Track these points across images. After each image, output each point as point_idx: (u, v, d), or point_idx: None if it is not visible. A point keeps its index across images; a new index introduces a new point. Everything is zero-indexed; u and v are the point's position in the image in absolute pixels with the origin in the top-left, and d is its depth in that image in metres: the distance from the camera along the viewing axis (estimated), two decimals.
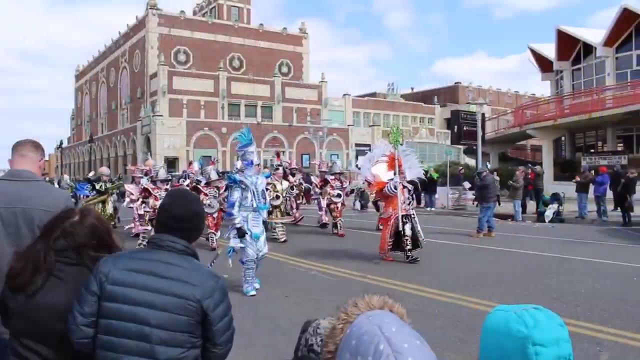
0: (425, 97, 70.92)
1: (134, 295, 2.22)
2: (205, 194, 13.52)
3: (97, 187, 14.96)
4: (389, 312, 1.31)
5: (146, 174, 15.48)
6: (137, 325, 2.18)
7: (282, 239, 14.09)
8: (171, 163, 46.29)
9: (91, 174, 38.08)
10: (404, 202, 10.90)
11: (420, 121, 66.10)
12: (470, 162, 36.74)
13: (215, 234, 13.41)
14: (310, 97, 58.98)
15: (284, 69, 60.78)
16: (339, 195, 16.14)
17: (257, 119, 53.71)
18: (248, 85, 55.34)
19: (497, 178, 19.56)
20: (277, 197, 14.27)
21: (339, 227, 15.82)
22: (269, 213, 12.40)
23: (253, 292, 8.10)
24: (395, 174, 10.89)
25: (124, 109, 62.02)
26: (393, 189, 10.73)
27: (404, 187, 11.07)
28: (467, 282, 8.89)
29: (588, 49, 35.60)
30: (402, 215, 10.71)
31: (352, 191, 17.96)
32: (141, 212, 13.94)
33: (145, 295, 2.22)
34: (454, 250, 12.07)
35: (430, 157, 52.26)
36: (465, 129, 29.77)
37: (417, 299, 7.80)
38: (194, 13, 63.46)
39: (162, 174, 13.28)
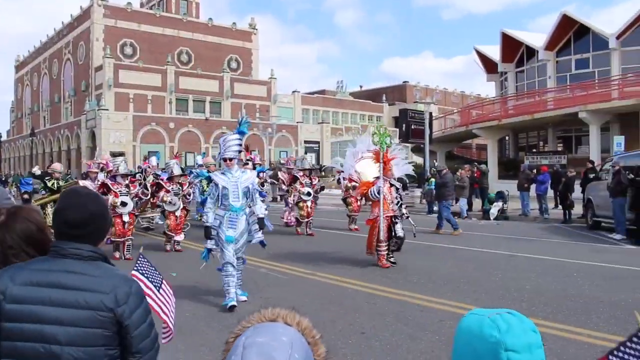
0: (374, 95, 71.63)
1: (37, 312, 2.00)
2: (167, 190, 12.84)
3: (49, 184, 13.57)
4: (279, 323, 1.30)
5: (102, 169, 14.60)
6: (46, 346, 1.97)
7: None
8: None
9: (35, 168, 36.71)
10: (392, 202, 10.45)
11: (369, 119, 66.76)
12: (418, 160, 37.41)
13: (175, 235, 12.53)
14: (260, 94, 58.73)
15: (233, 65, 60.32)
16: (308, 194, 15.30)
17: (205, 115, 53.14)
18: (196, 80, 54.64)
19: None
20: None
21: (308, 226, 15.23)
22: None
23: (233, 303, 7.22)
24: (379, 173, 10.25)
25: (67, 102, 60.23)
26: (376, 194, 10.16)
27: (392, 185, 10.63)
28: (416, 279, 9.13)
29: (531, 52, 36.82)
30: (392, 216, 10.35)
31: (322, 188, 16.70)
32: None
33: (50, 311, 2.00)
34: (405, 249, 12.31)
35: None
36: (413, 127, 30.41)
37: (368, 297, 7.98)
38: (141, 5, 62.11)
39: (123, 168, 12.15)
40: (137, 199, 13.12)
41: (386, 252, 10.23)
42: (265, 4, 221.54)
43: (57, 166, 14.78)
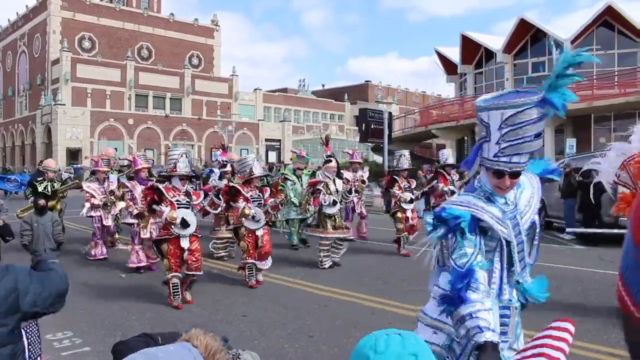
0: (336, 94, 71.83)
1: None
2: (247, 199, 8.57)
3: (41, 188, 10.94)
4: (186, 343, 1.36)
5: (112, 167, 12.30)
6: None
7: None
8: (73, 155, 44.44)
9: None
10: None
11: (330, 118, 66.94)
12: (378, 159, 37.68)
13: (258, 262, 8.63)
14: (221, 91, 58.28)
15: (195, 61, 59.69)
16: (411, 201, 11.79)
17: (165, 111, 52.51)
18: (157, 76, 53.89)
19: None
20: (334, 202, 9.97)
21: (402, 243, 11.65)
22: (315, 225, 10.37)
23: None
24: None
25: (22, 95, 58.67)
26: None
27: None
28: (368, 281, 9.19)
29: (489, 54, 37.51)
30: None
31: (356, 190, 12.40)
32: (109, 222, 10.90)
33: None
34: (358, 249, 12.37)
35: (341, 153, 53.01)
36: (373, 127, 30.57)
37: (320, 299, 8.00)
38: None
39: (184, 165, 7.59)
40: (200, 213, 10.12)
41: None
42: (234, 1, 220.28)
43: (51, 163, 12.20)
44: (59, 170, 15.68)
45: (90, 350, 5.74)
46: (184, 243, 7.42)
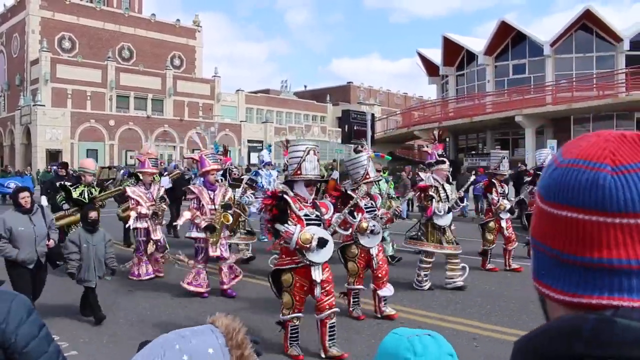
0: (318, 95, 71.87)
1: None
2: (361, 210, 7.10)
3: (77, 194, 9.24)
4: (209, 326, 1.33)
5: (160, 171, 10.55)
6: None
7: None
8: (53, 156, 43.93)
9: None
10: None
11: (312, 119, 67.00)
12: None
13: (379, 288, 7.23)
14: (203, 92, 58.01)
15: (176, 62, 59.35)
16: (511, 211, 10.75)
17: (147, 112, 52.14)
18: (138, 77, 53.47)
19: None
20: (449, 210, 8.63)
21: (509, 256, 10.46)
22: None
23: None
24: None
25: (0, 96, 57.89)
26: None
27: None
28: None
29: (471, 56, 37.89)
30: None
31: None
32: (157, 236, 9.25)
33: None
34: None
35: (322, 155, 53.09)
36: (355, 128, 30.70)
37: None
38: None
39: (312, 166, 5.79)
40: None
41: None
42: (216, 1, 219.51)
43: (90, 164, 10.16)
44: (116, 169, 13.15)
45: (77, 354, 5.74)
46: (316, 274, 5.45)
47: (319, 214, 5.65)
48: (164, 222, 9.56)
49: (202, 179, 8.67)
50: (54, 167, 34.31)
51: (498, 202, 10.00)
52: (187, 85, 56.81)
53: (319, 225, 5.57)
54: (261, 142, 57.25)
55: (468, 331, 6.48)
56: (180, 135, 51.79)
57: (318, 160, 5.78)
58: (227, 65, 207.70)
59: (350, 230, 6.68)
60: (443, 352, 1.28)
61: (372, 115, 31.64)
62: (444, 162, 8.71)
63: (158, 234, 9.29)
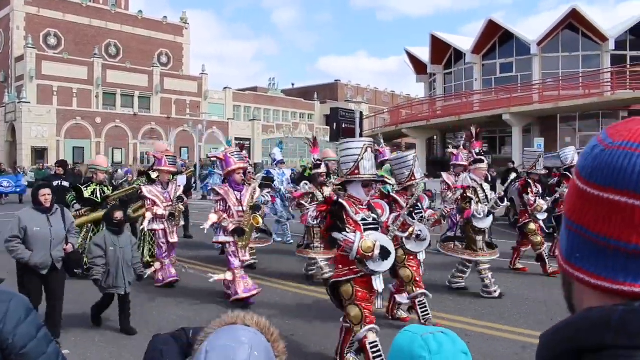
0: (306, 93, 71.85)
1: None
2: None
3: (88, 193, 8.89)
4: (239, 326, 1.36)
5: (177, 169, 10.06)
6: None
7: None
8: (39, 154, 43.57)
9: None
10: None
11: (300, 117, 66.97)
12: None
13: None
14: (190, 89, 57.79)
15: (164, 59, 59.06)
16: (547, 211, 10.01)
17: (134, 110, 51.84)
18: (125, 74, 53.12)
19: None
20: (489, 213, 8.15)
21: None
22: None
23: None
24: None
25: None
26: None
27: None
28: None
29: (458, 54, 38.05)
30: None
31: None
32: (174, 238, 8.77)
33: None
34: None
35: (310, 153, 53.09)
36: (344, 126, 30.78)
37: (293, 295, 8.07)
38: None
39: (371, 164, 5.26)
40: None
41: None
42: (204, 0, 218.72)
43: (103, 161, 9.71)
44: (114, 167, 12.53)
45: (69, 352, 5.70)
46: (378, 283, 4.96)
47: (375, 216, 5.15)
48: (181, 223, 9.07)
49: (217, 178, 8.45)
50: (39, 165, 34.10)
51: (535, 202, 9.51)
52: (174, 82, 56.54)
53: (376, 229, 5.06)
54: (249, 139, 57.15)
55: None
56: (167, 132, 51.52)
57: (375, 158, 5.30)
58: (215, 64, 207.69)
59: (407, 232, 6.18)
60: (457, 350, 1.29)
61: (361, 113, 31.76)
62: (482, 161, 8.18)
63: (175, 237, 8.80)
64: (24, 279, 5.81)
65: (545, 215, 9.73)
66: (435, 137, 40.42)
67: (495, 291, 7.83)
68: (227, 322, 1.39)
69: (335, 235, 4.81)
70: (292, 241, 12.13)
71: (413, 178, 6.58)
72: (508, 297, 7.90)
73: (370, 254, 4.69)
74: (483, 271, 7.91)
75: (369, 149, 5.14)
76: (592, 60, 32.88)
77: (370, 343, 4.79)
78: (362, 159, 5.02)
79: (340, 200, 4.94)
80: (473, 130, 8.99)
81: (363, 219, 4.97)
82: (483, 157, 8.22)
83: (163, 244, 8.64)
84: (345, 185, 5.19)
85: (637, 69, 30.65)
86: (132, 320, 6.56)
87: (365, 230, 4.89)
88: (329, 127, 36.01)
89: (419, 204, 6.58)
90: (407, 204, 6.16)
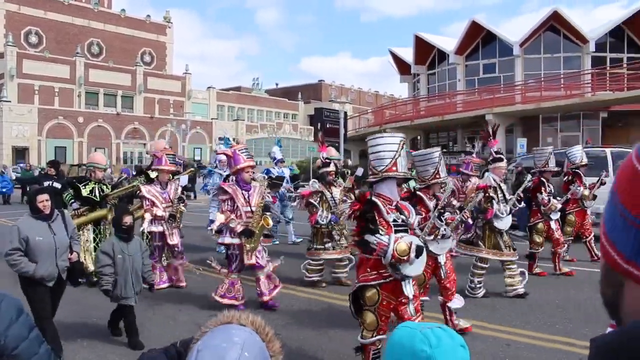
0: (289, 93, 71.87)
1: None
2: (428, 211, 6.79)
3: (86, 192, 8.48)
4: (234, 325, 1.36)
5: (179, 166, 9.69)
6: None
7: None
8: (20, 153, 43.10)
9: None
10: None
11: (284, 117, 66.95)
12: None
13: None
14: (174, 89, 57.55)
15: (147, 58, 58.72)
16: (561, 210, 9.82)
17: (116, 109, 51.52)
18: (108, 73, 52.76)
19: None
20: (510, 212, 7.81)
21: (558, 260, 9.57)
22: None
23: None
24: None
25: None
26: None
27: None
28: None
29: (442, 55, 38.25)
30: None
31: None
32: (174, 240, 8.31)
33: None
34: None
35: (293, 152, 53.20)
36: (328, 126, 30.82)
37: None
38: None
39: (405, 162, 4.89)
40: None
41: None
42: None
43: (101, 158, 9.23)
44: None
45: None
46: (408, 289, 4.58)
47: (404, 217, 4.70)
48: (181, 225, 8.69)
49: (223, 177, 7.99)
50: (21, 165, 33.67)
51: (549, 202, 9.16)
52: (157, 82, 56.25)
53: (405, 232, 4.62)
54: (233, 139, 56.95)
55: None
56: (150, 132, 51.25)
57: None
58: (197, 63, 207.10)
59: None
60: (456, 344, 1.34)
61: (345, 113, 31.81)
62: (501, 160, 7.86)
63: (175, 239, 8.34)
64: (28, 291, 5.28)
65: (558, 215, 9.49)
66: (419, 137, 40.57)
67: (478, 293, 7.78)
68: (223, 322, 1.40)
69: (368, 237, 4.38)
70: (298, 240, 12.11)
71: (437, 176, 6.21)
72: (493, 296, 7.98)
73: (405, 257, 4.32)
74: (478, 269, 7.75)
75: (405, 146, 4.80)
76: (573, 62, 33.26)
77: (374, 350, 4.63)
78: (400, 155, 4.67)
79: (373, 199, 4.54)
80: (490, 128, 8.52)
81: (394, 220, 4.59)
82: (502, 156, 7.96)
83: (158, 247, 8.36)
84: (377, 182, 4.73)
85: (617, 70, 31.08)
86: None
87: (396, 232, 4.50)
88: (312, 127, 36.06)
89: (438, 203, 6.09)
90: (435, 206, 5.85)
